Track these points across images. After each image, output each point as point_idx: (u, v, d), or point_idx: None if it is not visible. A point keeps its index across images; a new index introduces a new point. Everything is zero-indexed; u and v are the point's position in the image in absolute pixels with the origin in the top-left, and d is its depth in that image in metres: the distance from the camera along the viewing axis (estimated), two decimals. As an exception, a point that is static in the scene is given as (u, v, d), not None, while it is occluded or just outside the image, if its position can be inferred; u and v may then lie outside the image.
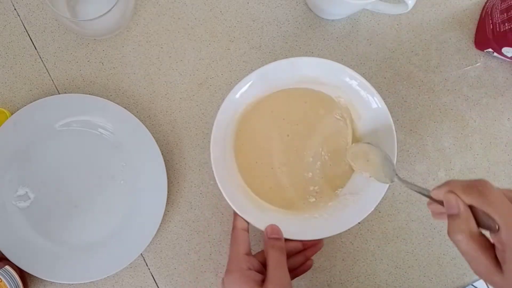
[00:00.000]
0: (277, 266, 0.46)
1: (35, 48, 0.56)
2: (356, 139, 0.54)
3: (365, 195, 0.51)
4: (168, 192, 0.54)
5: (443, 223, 0.57)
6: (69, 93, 0.56)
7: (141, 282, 0.56)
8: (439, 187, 0.40)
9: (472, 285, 0.57)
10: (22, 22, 0.56)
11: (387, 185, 0.50)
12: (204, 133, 0.57)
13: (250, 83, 0.50)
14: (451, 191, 0.38)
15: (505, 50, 0.54)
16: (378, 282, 0.57)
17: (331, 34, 0.58)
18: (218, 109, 0.50)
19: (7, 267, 0.51)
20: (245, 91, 0.51)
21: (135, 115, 0.54)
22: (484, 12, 0.57)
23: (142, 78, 0.56)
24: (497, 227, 0.36)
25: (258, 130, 0.53)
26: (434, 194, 0.41)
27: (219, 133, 0.50)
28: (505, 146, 0.58)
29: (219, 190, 0.50)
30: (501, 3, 0.53)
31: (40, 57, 0.56)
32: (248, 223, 0.50)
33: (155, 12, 0.57)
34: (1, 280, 0.49)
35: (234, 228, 0.50)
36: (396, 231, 0.57)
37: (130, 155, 0.54)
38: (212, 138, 0.49)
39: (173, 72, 0.57)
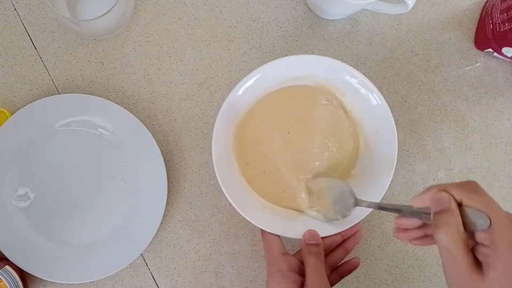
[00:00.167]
0: (314, 272, 0.46)
1: (35, 48, 0.56)
2: (351, 120, 0.53)
3: (367, 192, 0.52)
4: (168, 192, 0.54)
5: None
6: (69, 93, 0.56)
7: (141, 282, 0.56)
8: (422, 193, 0.40)
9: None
10: (22, 22, 0.56)
11: (387, 185, 0.50)
12: (204, 133, 0.57)
13: (250, 82, 0.50)
14: (443, 190, 0.38)
15: (505, 50, 0.54)
16: (378, 282, 0.57)
17: (331, 34, 0.58)
18: (219, 109, 0.50)
19: (7, 267, 0.51)
20: (246, 90, 0.51)
21: (135, 115, 0.54)
22: (484, 12, 0.57)
23: (142, 78, 0.56)
24: (488, 224, 0.36)
25: (258, 132, 0.53)
26: (417, 201, 0.40)
27: (221, 132, 0.50)
28: (505, 146, 0.58)
29: (219, 190, 0.50)
30: (501, 3, 0.53)
31: (40, 57, 0.56)
32: None
33: (155, 12, 0.57)
34: (1, 280, 0.49)
35: (263, 232, 0.50)
36: (396, 231, 0.57)
37: (130, 155, 0.54)
38: (214, 136, 0.50)
39: (173, 72, 0.57)
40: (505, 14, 0.52)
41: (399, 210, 0.43)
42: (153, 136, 0.53)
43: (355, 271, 0.56)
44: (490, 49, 0.56)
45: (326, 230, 0.50)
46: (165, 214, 0.55)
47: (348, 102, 0.53)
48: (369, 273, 0.57)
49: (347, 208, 0.49)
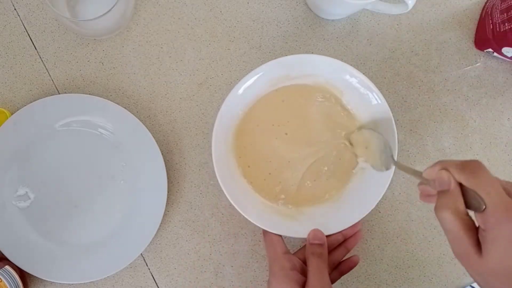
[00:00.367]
0: (317, 273, 0.46)
1: (35, 48, 0.56)
2: (351, 118, 0.53)
3: (367, 191, 0.52)
4: (168, 192, 0.54)
5: (443, 223, 0.57)
6: (69, 93, 0.56)
7: (141, 282, 0.56)
8: (432, 166, 0.40)
9: (471, 285, 0.57)
10: (22, 22, 0.56)
11: (390, 176, 0.50)
12: (204, 133, 0.57)
13: (250, 81, 0.50)
14: (445, 169, 0.38)
15: (505, 50, 0.54)
16: (378, 282, 0.57)
17: (331, 34, 0.58)
18: (219, 109, 0.50)
19: (7, 267, 0.51)
20: (246, 89, 0.51)
21: (135, 115, 0.54)
22: (484, 12, 0.57)
23: (142, 78, 0.56)
24: (483, 207, 0.36)
25: (257, 132, 0.53)
26: (426, 174, 0.41)
27: (221, 132, 0.50)
28: (505, 146, 0.58)
29: (219, 190, 0.50)
30: (501, 3, 0.53)
31: (40, 57, 0.56)
32: None
33: (155, 12, 0.57)
34: (1, 280, 0.49)
35: (265, 231, 0.50)
36: (396, 231, 0.57)
37: (130, 155, 0.54)
38: (214, 136, 0.50)
39: (173, 72, 0.57)
40: (505, 14, 0.52)
41: (419, 178, 0.43)
42: (153, 136, 0.53)
43: (355, 271, 0.56)
44: (490, 49, 0.56)
45: (327, 229, 0.50)
46: (165, 214, 0.55)
47: (347, 101, 0.53)
48: (369, 273, 0.57)
49: (389, 160, 0.50)
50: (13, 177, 0.54)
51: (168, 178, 0.54)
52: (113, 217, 0.55)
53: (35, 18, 0.56)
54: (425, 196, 0.44)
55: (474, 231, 0.37)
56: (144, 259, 0.56)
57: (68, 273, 0.53)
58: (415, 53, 0.58)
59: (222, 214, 0.56)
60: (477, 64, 0.58)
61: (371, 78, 0.57)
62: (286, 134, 0.53)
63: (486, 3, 0.58)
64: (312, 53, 0.57)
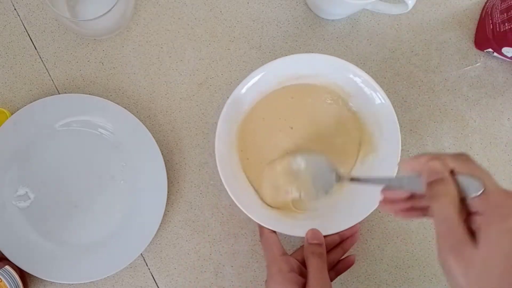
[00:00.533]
0: (317, 273, 0.46)
1: (35, 48, 0.56)
2: (356, 121, 0.53)
3: (367, 194, 0.52)
4: (168, 192, 0.54)
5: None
6: (69, 93, 0.56)
7: (141, 282, 0.56)
8: (412, 159, 0.39)
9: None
10: (22, 22, 0.56)
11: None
12: (204, 133, 0.57)
13: (255, 78, 0.50)
14: (436, 158, 0.38)
15: (505, 50, 0.54)
16: (378, 282, 0.57)
17: (331, 34, 0.58)
18: (218, 109, 0.50)
19: (7, 267, 0.51)
20: (249, 88, 0.51)
21: (135, 115, 0.54)
22: (484, 12, 0.57)
23: (142, 78, 0.56)
24: (481, 189, 0.35)
25: (261, 129, 0.53)
26: (404, 165, 0.40)
27: (224, 130, 0.50)
28: (505, 146, 0.58)
29: (219, 190, 0.50)
30: (501, 3, 0.53)
31: (40, 57, 0.56)
32: None
33: (155, 12, 0.57)
34: (1, 280, 0.49)
35: (261, 233, 0.50)
36: (396, 231, 0.57)
37: (130, 155, 0.54)
38: (217, 133, 0.50)
39: (173, 72, 0.57)
40: (505, 14, 0.52)
41: (386, 182, 0.42)
42: (153, 136, 0.53)
43: (355, 271, 0.56)
44: (490, 49, 0.56)
45: (325, 230, 0.50)
46: (165, 214, 0.55)
47: (353, 103, 0.53)
48: (369, 273, 0.57)
49: (329, 184, 0.49)
50: (13, 177, 0.54)
51: (168, 178, 0.54)
52: (113, 217, 0.55)
53: (35, 18, 0.56)
54: (387, 203, 0.42)
55: (465, 221, 0.36)
56: (144, 259, 0.56)
57: (68, 273, 0.53)
58: (415, 53, 0.58)
59: (222, 214, 0.56)
60: (477, 64, 0.58)
61: (371, 78, 0.57)
62: (291, 128, 0.53)
63: (486, 3, 0.58)
64: (312, 53, 0.57)
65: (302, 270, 0.48)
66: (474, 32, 0.58)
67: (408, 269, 0.57)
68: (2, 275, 0.50)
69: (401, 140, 0.57)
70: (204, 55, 0.57)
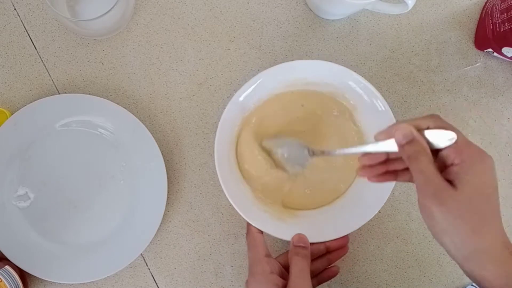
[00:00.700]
0: (300, 275, 0.46)
1: (35, 48, 0.56)
2: (360, 135, 0.54)
3: (367, 197, 0.52)
4: (168, 192, 0.54)
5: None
6: (69, 93, 0.56)
7: (141, 282, 0.56)
8: (384, 129, 0.42)
9: (472, 285, 0.57)
10: (22, 22, 0.56)
11: (384, 200, 0.51)
12: (204, 133, 0.56)
13: (254, 85, 0.51)
14: (405, 121, 0.41)
15: (505, 50, 0.54)
16: (378, 282, 0.57)
17: (331, 34, 0.58)
18: (218, 109, 0.50)
19: (7, 267, 0.51)
20: (248, 94, 0.51)
21: (135, 115, 0.54)
22: (484, 12, 0.57)
23: (142, 78, 0.56)
24: (454, 139, 0.39)
25: (268, 131, 0.53)
26: (380, 135, 0.42)
27: (223, 137, 0.51)
28: (505, 146, 0.58)
29: (219, 190, 0.50)
30: (501, 3, 0.53)
31: (40, 57, 0.56)
32: None
33: (155, 12, 0.57)
34: (1, 280, 0.49)
35: (249, 232, 0.50)
36: (396, 231, 0.57)
37: (130, 155, 0.54)
38: (216, 141, 0.50)
39: (173, 72, 0.57)
40: (505, 14, 0.52)
41: (362, 147, 0.45)
42: (153, 136, 0.53)
43: (355, 271, 0.56)
44: (490, 49, 0.56)
45: (312, 237, 0.50)
46: (165, 214, 0.55)
47: (359, 117, 0.53)
48: (369, 273, 0.57)
49: (303, 158, 0.51)
50: (13, 177, 0.53)
51: (168, 178, 0.54)
52: (113, 217, 0.55)
53: (35, 18, 0.56)
54: (365, 168, 0.45)
55: (440, 171, 0.39)
56: (144, 259, 0.56)
57: (68, 273, 0.53)
58: (415, 53, 0.58)
59: (222, 214, 0.56)
60: (477, 64, 0.58)
61: (371, 78, 0.57)
62: (304, 131, 0.54)
63: (486, 3, 0.58)
64: (312, 53, 0.57)
65: (284, 274, 0.48)
66: (474, 32, 0.58)
67: (408, 269, 0.57)
68: (2, 275, 0.50)
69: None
70: (204, 55, 0.57)
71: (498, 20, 0.53)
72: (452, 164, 0.39)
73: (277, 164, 0.52)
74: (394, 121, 0.51)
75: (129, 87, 0.56)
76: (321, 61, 0.51)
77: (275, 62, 0.57)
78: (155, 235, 0.54)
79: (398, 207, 0.57)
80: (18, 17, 0.56)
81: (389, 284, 0.57)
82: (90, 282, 0.55)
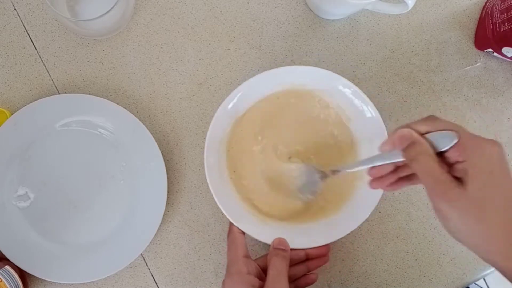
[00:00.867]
0: (278, 275, 0.46)
1: (35, 48, 0.56)
2: (349, 139, 0.54)
3: (359, 200, 0.52)
4: (168, 192, 0.54)
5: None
6: (69, 93, 0.56)
7: (141, 282, 0.56)
8: (386, 139, 0.42)
9: (475, 283, 0.57)
10: (22, 22, 0.56)
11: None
12: (204, 133, 0.56)
13: (241, 92, 0.51)
14: (404, 126, 0.41)
15: (505, 50, 0.54)
16: (378, 282, 0.57)
17: (331, 34, 0.58)
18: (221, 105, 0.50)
19: (7, 267, 0.51)
20: (236, 102, 0.51)
21: (135, 115, 0.54)
22: (484, 12, 0.57)
23: (142, 78, 0.56)
24: (457, 138, 0.38)
25: (248, 142, 0.53)
26: (384, 147, 0.43)
27: (213, 144, 0.51)
28: (505, 146, 0.58)
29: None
30: (501, 3, 0.53)
31: (40, 57, 0.56)
32: None
33: (155, 12, 0.57)
34: (1, 280, 0.49)
35: (230, 231, 0.51)
36: (396, 231, 0.57)
37: (130, 155, 0.54)
38: (206, 147, 0.50)
39: (173, 72, 0.57)
40: (505, 14, 0.52)
41: (369, 162, 0.45)
42: (153, 136, 0.53)
43: (355, 271, 0.56)
44: (490, 49, 0.56)
45: (293, 242, 0.50)
46: (165, 214, 0.55)
47: (353, 127, 0.53)
48: (369, 273, 0.57)
49: (315, 185, 0.51)
50: (13, 177, 0.53)
51: (168, 178, 0.54)
52: (113, 217, 0.55)
53: (35, 18, 0.56)
54: (376, 181, 0.45)
55: (447, 171, 0.39)
56: (144, 259, 0.56)
57: (68, 273, 0.53)
58: (415, 53, 0.58)
59: (222, 214, 0.56)
60: (477, 64, 0.58)
61: (371, 78, 0.57)
62: (287, 136, 0.54)
63: (486, 3, 0.58)
64: (312, 53, 0.57)
65: (262, 276, 0.48)
66: (474, 32, 0.58)
67: (408, 269, 0.57)
68: (2, 275, 0.50)
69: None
70: (204, 55, 0.57)
71: (498, 20, 0.53)
72: (457, 162, 0.39)
73: (288, 193, 0.53)
74: (382, 124, 0.51)
75: (129, 87, 0.56)
76: (308, 67, 0.52)
77: (275, 62, 0.57)
78: (155, 235, 0.54)
79: (398, 207, 0.57)
80: (18, 17, 0.56)
81: (389, 284, 0.57)
82: (90, 282, 0.55)
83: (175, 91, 0.57)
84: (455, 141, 0.39)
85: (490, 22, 0.55)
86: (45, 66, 0.56)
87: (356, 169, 0.47)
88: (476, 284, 0.57)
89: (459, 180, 0.38)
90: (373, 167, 0.45)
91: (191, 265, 0.56)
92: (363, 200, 0.52)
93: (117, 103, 0.54)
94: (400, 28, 0.58)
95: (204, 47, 0.57)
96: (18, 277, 0.51)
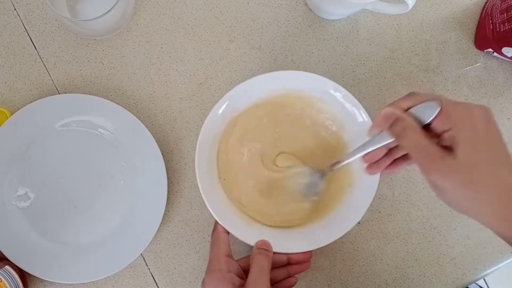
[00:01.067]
0: (260, 273, 0.46)
1: (35, 48, 0.56)
2: (341, 144, 0.54)
3: (346, 210, 0.52)
4: (168, 192, 0.54)
5: (443, 224, 0.57)
6: (69, 93, 0.56)
7: (141, 282, 0.56)
8: (372, 123, 0.43)
9: (476, 283, 0.57)
10: (22, 22, 0.56)
11: (373, 194, 0.51)
12: (204, 133, 0.56)
13: (230, 99, 0.51)
14: (387, 106, 0.41)
15: (505, 50, 0.54)
16: (378, 282, 0.57)
17: (331, 34, 0.58)
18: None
19: (7, 267, 0.51)
20: (226, 107, 0.51)
21: (135, 115, 0.54)
22: (484, 12, 0.57)
23: (142, 78, 0.56)
24: (439, 107, 0.39)
25: (237, 149, 0.53)
26: (372, 130, 0.43)
27: (204, 148, 0.51)
28: (505, 146, 0.58)
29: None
30: (501, 3, 0.53)
31: (40, 57, 0.56)
32: None
33: (155, 12, 0.57)
34: (1, 280, 0.49)
35: (215, 229, 0.51)
36: (396, 231, 0.57)
37: (130, 155, 0.54)
38: (197, 153, 0.50)
39: (173, 72, 0.57)
40: (505, 14, 0.52)
41: (362, 149, 0.46)
42: (153, 136, 0.53)
43: (355, 271, 0.56)
44: (490, 49, 0.56)
45: (277, 246, 0.50)
46: (165, 214, 0.55)
47: (346, 134, 0.53)
48: (369, 273, 0.57)
49: (316, 185, 0.51)
50: (13, 177, 0.53)
51: (168, 178, 0.54)
52: (113, 217, 0.55)
53: (35, 18, 0.56)
54: (372, 166, 0.46)
55: (436, 142, 0.39)
56: (144, 259, 0.56)
57: (68, 273, 0.53)
58: (415, 53, 0.58)
59: (222, 214, 0.56)
60: (477, 64, 0.58)
61: (371, 78, 0.57)
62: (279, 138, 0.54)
63: (486, 3, 0.58)
64: (312, 53, 0.57)
65: (243, 276, 0.48)
66: (474, 32, 0.58)
67: (408, 269, 0.57)
68: (2, 275, 0.50)
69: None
70: (204, 55, 0.57)
71: (498, 20, 0.53)
72: (444, 131, 0.39)
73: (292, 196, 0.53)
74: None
75: (129, 87, 0.56)
76: (303, 72, 0.51)
77: (275, 62, 0.57)
78: (155, 235, 0.54)
79: (398, 207, 0.57)
80: (18, 17, 0.56)
81: (389, 284, 0.57)
82: (90, 282, 0.55)
83: (175, 91, 0.57)
84: (437, 110, 0.39)
85: (490, 22, 0.55)
86: (45, 66, 0.56)
87: (351, 159, 0.48)
88: (476, 284, 0.57)
89: (448, 149, 0.38)
90: (366, 154, 0.46)
91: (191, 265, 0.56)
92: (349, 210, 0.52)
93: (117, 103, 0.54)
94: (400, 28, 0.58)
95: (204, 47, 0.57)
96: (18, 277, 0.51)
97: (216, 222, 0.51)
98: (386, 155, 0.46)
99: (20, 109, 0.53)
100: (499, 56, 0.56)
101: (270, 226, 0.53)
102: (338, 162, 0.50)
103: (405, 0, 0.50)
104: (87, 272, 0.53)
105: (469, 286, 0.57)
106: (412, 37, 0.58)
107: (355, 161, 0.49)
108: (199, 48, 0.57)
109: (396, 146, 0.45)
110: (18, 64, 0.56)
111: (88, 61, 0.56)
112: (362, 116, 0.51)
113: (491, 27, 0.54)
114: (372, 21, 0.58)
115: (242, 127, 0.53)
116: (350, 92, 0.51)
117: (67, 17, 0.53)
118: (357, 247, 0.57)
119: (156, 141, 0.54)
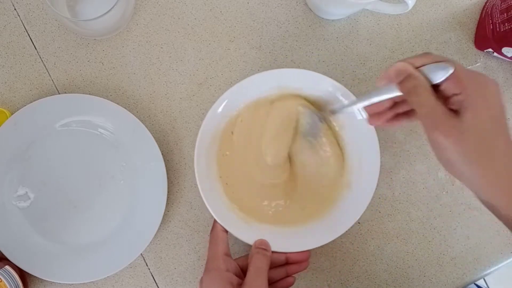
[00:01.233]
0: (258, 273, 0.46)
1: (35, 48, 0.56)
2: (340, 142, 0.54)
3: (343, 210, 0.52)
4: (168, 192, 0.54)
5: (443, 224, 0.57)
6: (69, 93, 0.56)
7: (141, 282, 0.56)
8: (382, 74, 0.43)
9: (475, 283, 0.57)
10: (22, 22, 0.56)
11: (371, 194, 0.51)
12: (204, 133, 0.56)
13: (229, 97, 0.51)
14: (400, 60, 0.41)
15: (505, 50, 0.54)
16: (378, 282, 0.57)
17: (331, 34, 0.58)
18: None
19: (7, 267, 0.51)
20: (225, 105, 0.51)
21: (135, 115, 0.54)
22: (484, 12, 0.57)
23: (142, 78, 0.56)
24: (452, 69, 0.38)
25: (239, 149, 0.53)
26: (380, 81, 0.43)
27: (203, 147, 0.51)
28: (505, 146, 0.58)
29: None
30: (501, 3, 0.53)
31: (40, 57, 0.56)
32: None
33: (155, 12, 0.57)
34: (1, 280, 0.49)
35: (213, 228, 0.51)
36: (396, 231, 0.57)
37: (130, 155, 0.54)
38: (196, 152, 0.50)
39: (173, 72, 0.57)
40: (505, 14, 0.52)
41: (367, 98, 0.45)
42: (153, 136, 0.53)
43: (355, 271, 0.56)
44: (490, 49, 0.56)
45: (275, 245, 0.50)
46: (165, 214, 0.55)
47: (345, 134, 0.53)
48: (369, 273, 0.57)
49: (316, 127, 0.51)
50: (13, 177, 0.53)
51: (168, 178, 0.54)
52: (113, 217, 0.55)
53: (35, 18, 0.56)
54: (374, 117, 0.46)
55: (443, 103, 0.39)
56: (144, 259, 0.56)
57: (68, 273, 0.53)
58: (415, 53, 0.58)
59: (222, 214, 0.56)
60: (477, 64, 0.58)
61: (371, 78, 0.57)
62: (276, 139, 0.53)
63: (486, 3, 0.58)
64: (312, 53, 0.57)
65: (241, 275, 0.48)
66: (474, 32, 0.58)
67: (408, 269, 0.57)
68: (2, 275, 0.50)
69: (401, 140, 0.58)
70: (204, 55, 0.57)
71: (498, 20, 0.53)
72: (454, 95, 0.39)
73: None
74: (373, 129, 0.51)
75: (129, 87, 0.56)
76: (302, 70, 0.51)
77: (275, 62, 0.57)
78: (155, 235, 0.54)
79: (398, 207, 0.57)
80: (18, 17, 0.56)
81: (389, 284, 0.57)
82: (90, 282, 0.55)
83: (175, 91, 0.57)
84: (450, 71, 0.39)
85: (490, 22, 0.55)
86: (45, 66, 0.56)
87: (354, 106, 0.48)
88: (476, 284, 0.57)
89: (455, 112, 0.38)
90: (368, 105, 0.46)
91: (191, 265, 0.56)
92: (347, 210, 0.52)
93: (117, 103, 0.54)
94: (400, 28, 0.58)
95: (204, 47, 0.57)
96: (18, 277, 0.51)
97: (215, 221, 0.51)
98: (389, 108, 0.45)
99: (20, 109, 0.53)
100: (499, 56, 0.56)
101: (269, 225, 0.53)
102: (341, 106, 0.49)
103: (405, 0, 0.50)
104: (87, 272, 0.53)
105: (469, 286, 0.57)
106: (412, 37, 0.58)
107: (353, 159, 0.49)
108: (199, 48, 0.57)
109: (401, 101, 0.45)
110: (18, 64, 0.56)
111: (88, 61, 0.56)
112: (361, 114, 0.51)
113: (491, 27, 0.54)
114: (372, 21, 0.58)
115: (242, 125, 0.53)
116: (350, 92, 0.51)
117: (67, 17, 0.53)
118: (357, 247, 0.57)
119: (156, 141, 0.54)
